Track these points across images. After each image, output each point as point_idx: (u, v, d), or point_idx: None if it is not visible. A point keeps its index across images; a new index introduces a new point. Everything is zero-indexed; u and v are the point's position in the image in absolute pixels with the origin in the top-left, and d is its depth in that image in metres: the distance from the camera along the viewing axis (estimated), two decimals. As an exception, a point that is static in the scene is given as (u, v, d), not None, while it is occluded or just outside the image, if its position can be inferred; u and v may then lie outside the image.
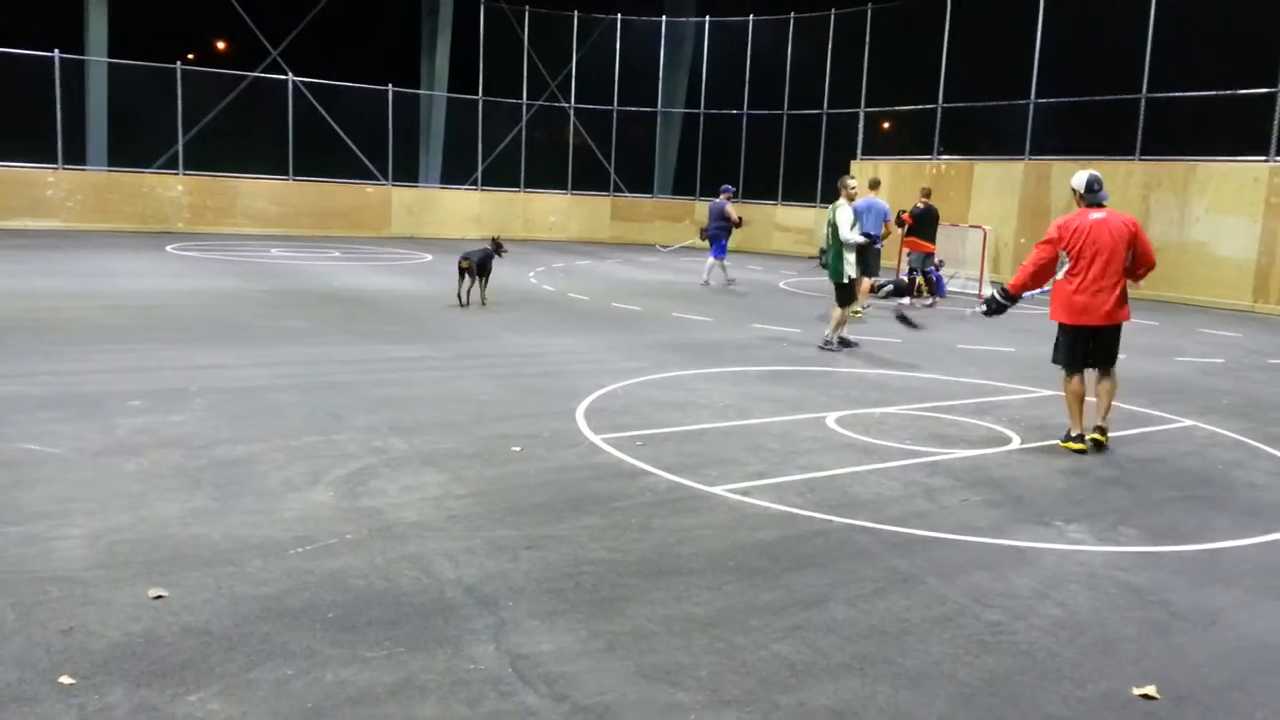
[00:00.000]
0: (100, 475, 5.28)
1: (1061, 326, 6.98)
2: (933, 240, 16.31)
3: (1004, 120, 22.13)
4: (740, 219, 17.58)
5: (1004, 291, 7.19)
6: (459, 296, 12.83)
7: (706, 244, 17.62)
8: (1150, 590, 4.42)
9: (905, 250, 16.90)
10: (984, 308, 7.45)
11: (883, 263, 15.30)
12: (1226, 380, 10.11)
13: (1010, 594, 4.29)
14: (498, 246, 13.41)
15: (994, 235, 19.22)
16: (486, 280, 13.01)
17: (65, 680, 3.17)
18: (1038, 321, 14.72)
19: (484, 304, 12.93)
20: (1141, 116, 19.44)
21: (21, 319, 10.20)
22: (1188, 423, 7.97)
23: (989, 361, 10.64)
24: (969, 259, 18.62)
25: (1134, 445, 7.17)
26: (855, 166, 24.70)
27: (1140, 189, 19.18)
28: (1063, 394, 7.13)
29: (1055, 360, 7.11)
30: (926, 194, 16.62)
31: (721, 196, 17.40)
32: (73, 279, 13.78)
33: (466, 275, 12.73)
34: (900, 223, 16.38)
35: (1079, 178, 7.13)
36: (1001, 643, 3.81)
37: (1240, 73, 18.16)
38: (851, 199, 11.05)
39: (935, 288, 16.37)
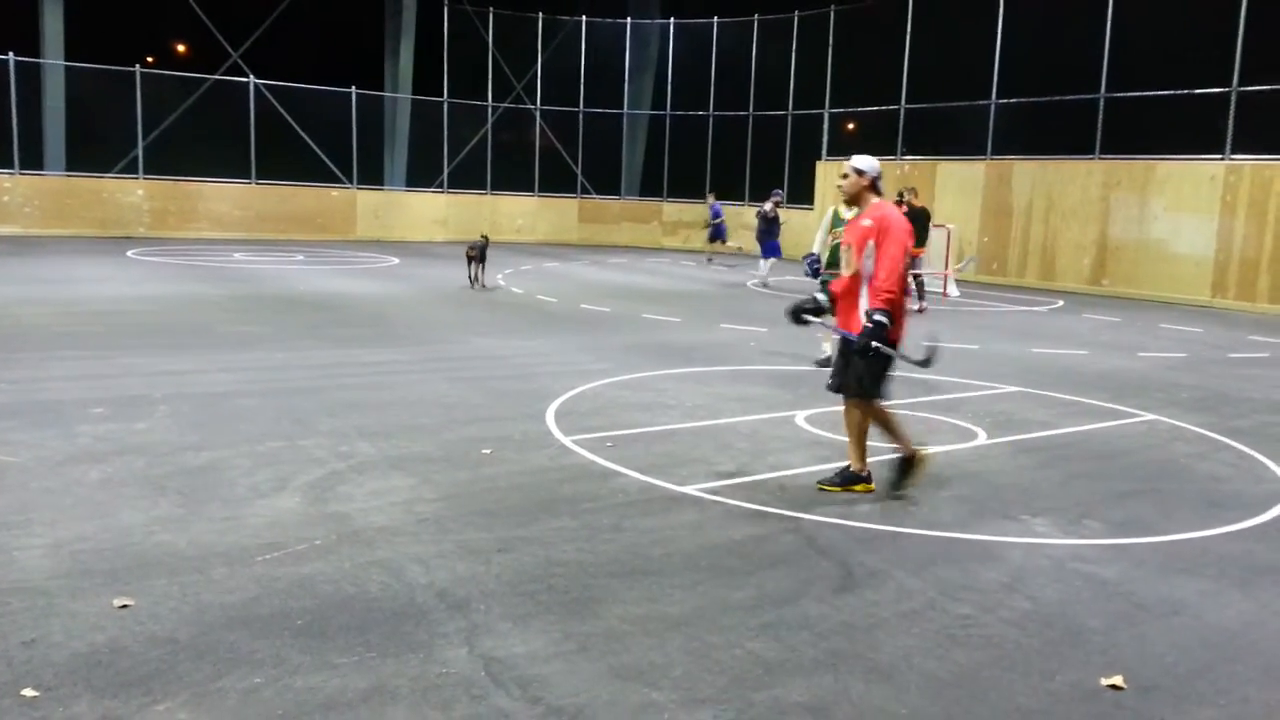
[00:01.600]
0: (63, 484, 5.19)
1: (887, 343, 5.36)
2: (922, 243, 16.84)
3: (966, 120, 22.38)
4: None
5: (879, 327, 5.29)
6: (469, 279, 15.72)
7: (733, 249, 18.37)
8: (1116, 582, 4.48)
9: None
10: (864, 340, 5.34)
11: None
12: (1188, 374, 10.28)
13: (978, 587, 4.34)
14: (487, 241, 16.51)
15: (958, 234, 19.43)
16: (484, 266, 15.92)
17: (28, 693, 3.11)
18: (1002, 319, 14.89)
19: (485, 287, 15.73)
20: (1101, 116, 19.73)
21: (-22, 326, 10.00)
22: (1150, 416, 8.09)
23: (954, 358, 10.74)
24: (933, 258, 18.78)
25: (1098, 440, 7.27)
26: (820, 167, 24.87)
27: (1100, 188, 19.46)
28: (1026, 390, 7.18)
29: (874, 392, 5.51)
30: (913, 193, 16.87)
31: (770, 201, 18.80)
32: (32, 285, 13.54)
33: (473, 262, 15.71)
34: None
35: (868, 161, 5.59)
36: (971, 636, 3.85)
37: (1197, 73, 18.48)
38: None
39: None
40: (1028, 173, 20.66)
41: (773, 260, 18.60)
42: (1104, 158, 19.62)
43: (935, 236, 18.75)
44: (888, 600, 4.15)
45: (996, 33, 21.39)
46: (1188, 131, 18.77)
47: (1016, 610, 4.11)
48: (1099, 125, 19.72)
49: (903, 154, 23.39)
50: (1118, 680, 3.52)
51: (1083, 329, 13.96)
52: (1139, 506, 5.66)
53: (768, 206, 18.77)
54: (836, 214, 9.07)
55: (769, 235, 18.58)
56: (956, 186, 21.88)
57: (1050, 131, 21.14)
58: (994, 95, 21.52)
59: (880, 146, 23.89)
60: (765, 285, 18.04)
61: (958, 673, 3.55)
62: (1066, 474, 6.27)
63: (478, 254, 15.68)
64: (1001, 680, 3.51)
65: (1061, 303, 17.63)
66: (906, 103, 23.45)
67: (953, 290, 17.98)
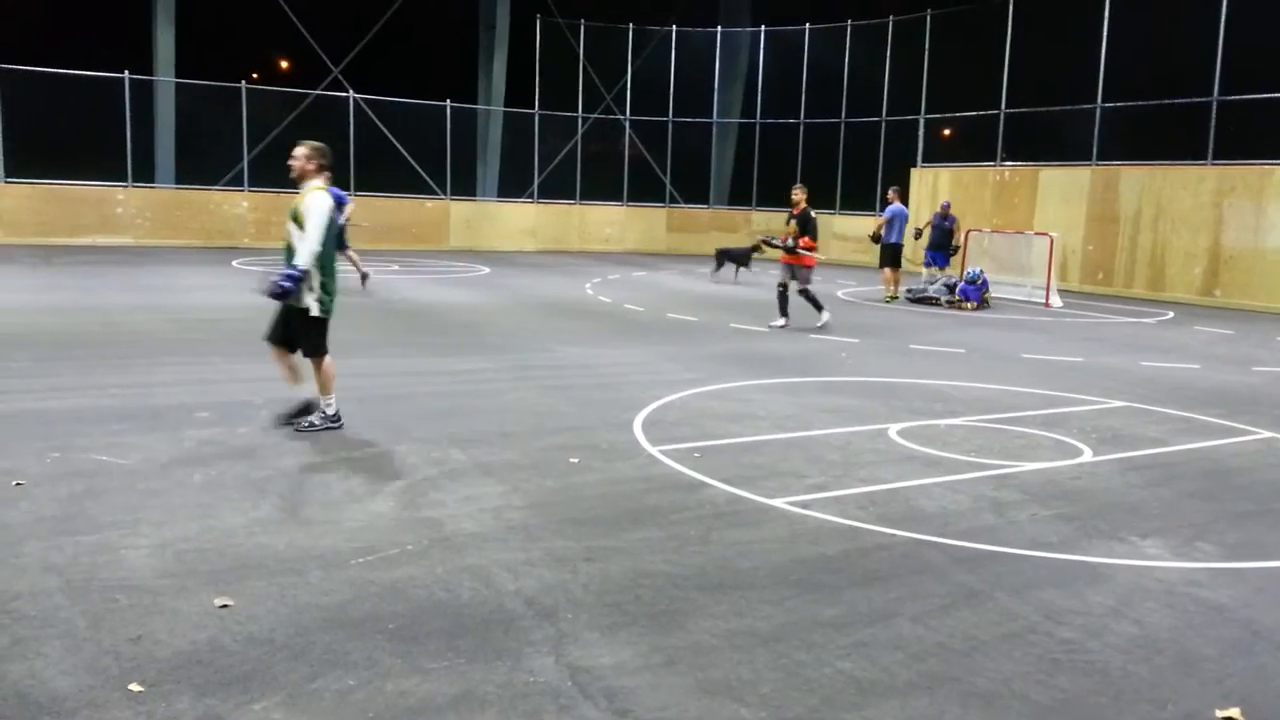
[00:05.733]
0: (168, 485, 5.37)
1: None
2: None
3: (1069, 125, 21.67)
4: (917, 231, 18.71)
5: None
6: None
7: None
8: (1231, 608, 4.25)
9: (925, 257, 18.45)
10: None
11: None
12: (1307, 390, 9.75)
13: (1084, 611, 4.16)
14: (756, 247, 18.42)
15: (1060, 243, 18.84)
16: (746, 266, 19.76)
17: (134, 688, 3.21)
18: (1108, 330, 14.37)
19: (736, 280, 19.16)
20: (1213, 119, 18.92)
21: (92, 333, 10.47)
22: (1267, 434, 7.69)
23: (1056, 371, 10.40)
24: (1035, 267, 18.27)
25: (1211, 458, 6.93)
26: (916, 175, 24.43)
27: (1213, 194, 18.66)
28: (1134, 405, 6.89)
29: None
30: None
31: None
32: (142, 293, 14.13)
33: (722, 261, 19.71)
34: (918, 234, 18.13)
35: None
36: (1075, 661, 3.69)
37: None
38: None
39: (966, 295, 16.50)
40: (1135, 179, 19.93)
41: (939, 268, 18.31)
42: (1217, 163, 18.80)
43: (1039, 245, 18.28)
44: (987, 622, 4.01)
45: (1102, 34, 20.70)
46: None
47: (1124, 636, 3.92)
48: (1211, 129, 18.90)
49: (1002, 159, 22.81)
50: (1234, 713, 3.33)
51: (1194, 342, 13.38)
52: (1255, 529, 5.37)
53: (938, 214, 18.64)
54: None
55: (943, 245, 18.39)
56: (1060, 194, 21.24)
57: (1159, 136, 20.35)
58: (1099, 99, 20.83)
59: (978, 152, 23.38)
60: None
61: (1061, 700, 3.40)
62: (1177, 493, 5.99)
63: (731, 254, 19.66)
64: (1108, 709, 3.35)
65: (1171, 314, 16.93)
66: (1006, 107, 22.86)
67: (1055, 300, 17.43)
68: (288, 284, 6.28)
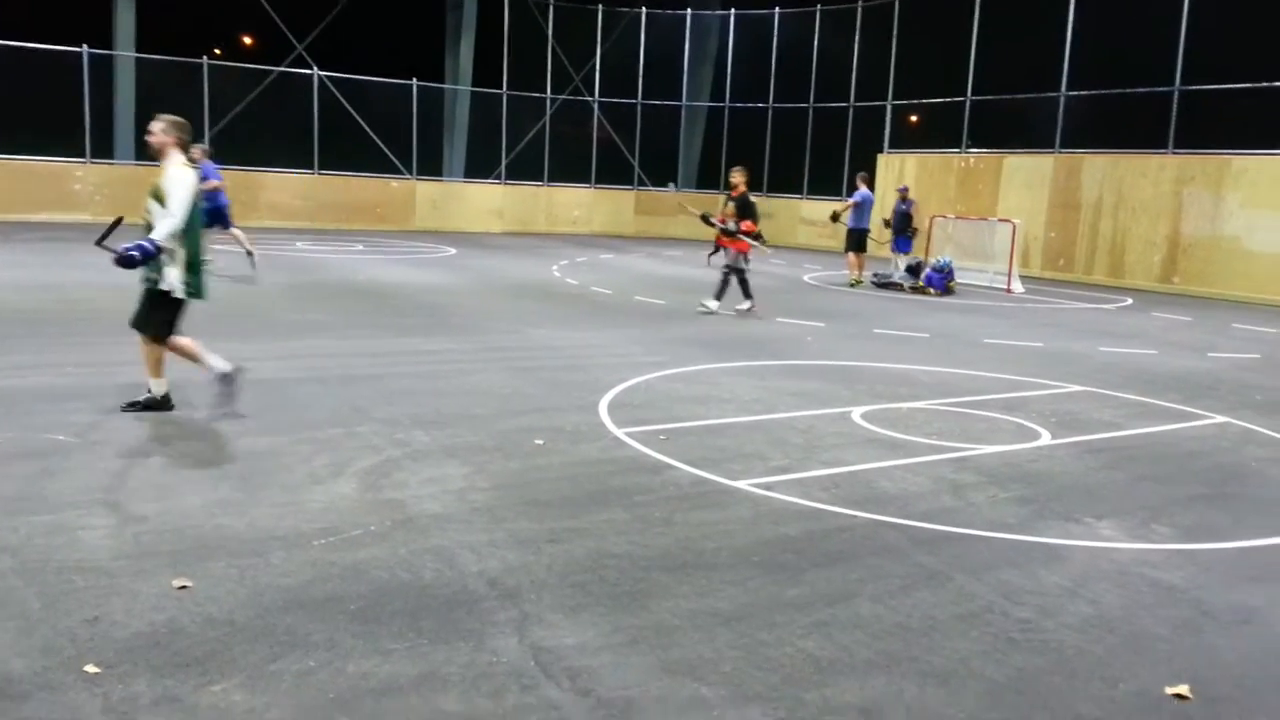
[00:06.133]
0: (127, 466, 5.31)
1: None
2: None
3: (1034, 113, 21.88)
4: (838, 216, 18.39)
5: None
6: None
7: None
8: (1182, 588, 4.34)
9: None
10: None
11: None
12: (1261, 376, 9.95)
13: (1040, 591, 4.23)
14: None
15: (1023, 230, 19.04)
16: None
17: (90, 669, 3.17)
18: (1068, 316, 14.56)
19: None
20: (1175, 109, 19.17)
21: (50, 310, 10.30)
22: (1221, 419, 7.84)
23: (1016, 356, 10.53)
24: (998, 253, 18.45)
25: (1166, 442, 7.06)
26: (882, 160, 24.55)
27: (1173, 183, 18.93)
28: (1092, 389, 6.99)
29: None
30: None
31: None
32: (100, 272, 13.85)
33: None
34: (886, 223, 18.13)
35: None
36: (1031, 640, 3.75)
37: (1275, 64, 17.86)
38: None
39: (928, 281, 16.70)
40: (1098, 167, 20.17)
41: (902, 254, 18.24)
42: (1177, 152, 19.08)
43: (1002, 232, 18.46)
44: (945, 602, 4.06)
45: (1067, 23, 20.88)
46: (1266, 125, 18.15)
47: (1079, 615, 4.00)
48: (1173, 118, 19.16)
49: (967, 146, 22.98)
50: (1183, 690, 3.41)
51: (1152, 328, 13.60)
52: (1208, 511, 5.49)
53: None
54: None
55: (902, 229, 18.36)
56: (1023, 180, 21.45)
57: (1122, 125, 20.59)
58: (1064, 87, 21.03)
59: (944, 139, 23.53)
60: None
61: (1016, 678, 3.46)
62: (1133, 476, 6.10)
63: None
64: (1062, 687, 3.41)
65: (1130, 300, 17.19)
66: (972, 95, 23.02)
67: (1017, 286, 17.63)
68: (135, 253, 5.97)
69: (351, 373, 8.02)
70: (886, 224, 18.36)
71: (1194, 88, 18.99)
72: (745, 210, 12.77)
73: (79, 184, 22.38)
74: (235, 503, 4.81)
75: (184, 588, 3.81)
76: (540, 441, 6.17)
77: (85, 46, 22.29)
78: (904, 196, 18.31)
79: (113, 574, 3.91)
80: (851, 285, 17.27)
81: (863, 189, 17.59)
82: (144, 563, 4.04)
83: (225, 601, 3.72)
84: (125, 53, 23.67)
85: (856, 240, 17.46)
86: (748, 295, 12.79)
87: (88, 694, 3.04)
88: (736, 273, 12.81)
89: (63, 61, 22.09)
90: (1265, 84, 18.11)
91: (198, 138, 23.64)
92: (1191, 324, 14.19)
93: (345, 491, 5.06)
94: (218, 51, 26.14)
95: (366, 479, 5.28)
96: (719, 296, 12.70)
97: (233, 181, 23.97)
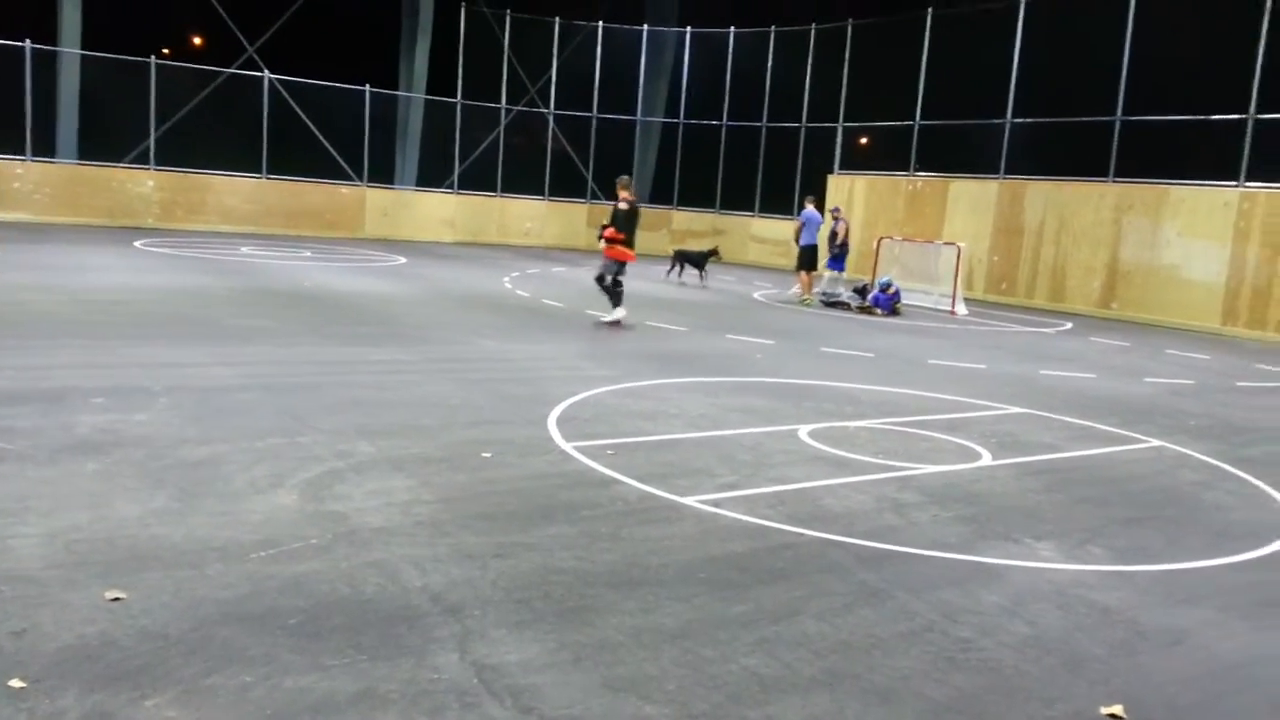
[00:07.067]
0: (60, 473, 5.16)
1: None
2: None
3: (980, 139, 22.33)
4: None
5: None
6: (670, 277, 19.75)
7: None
8: (1118, 609, 4.43)
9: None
10: None
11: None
12: (1196, 402, 10.22)
13: (979, 610, 4.29)
14: (713, 251, 20.40)
15: (967, 253, 19.40)
16: (703, 270, 19.74)
17: (15, 684, 3.07)
18: (1009, 339, 14.83)
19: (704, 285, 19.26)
20: (1116, 139, 19.68)
21: (-16, 311, 10.00)
22: (1156, 443, 8.03)
23: (960, 377, 10.69)
24: (942, 275, 18.75)
25: (1103, 465, 7.21)
26: (832, 181, 24.85)
27: (1113, 210, 19.41)
28: (1032, 411, 7.13)
29: None
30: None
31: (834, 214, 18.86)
32: (39, 272, 13.55)
33: (680, 263, 19.82)
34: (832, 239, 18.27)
35: None
36: (970, 660, 3.80)
37: (1213, 98, 18.43)
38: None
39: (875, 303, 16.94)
40: (1041, 193, 20.61)
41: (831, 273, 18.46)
42: (1118, 180, 19.57)
43: (947, 254, 18.77)
44: (887, 620, 4.10)
45: (1014, 52, 21.36)
46: (1203, 157, 18.72)
47: (1017, 635, 4.06)
48: (1114, 148, 19.66)
49: (915, 170, 23.35)
50: (1118, 710, 3.47)
51: (1091, 352, 13.90)
52: (1143, 534, 5.61)
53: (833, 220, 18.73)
54: None
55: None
56: (968, 204, 21.85)
57: (1064, 153, 21.09)
58: (1009, 114, 21.49)
59: (893, 162, 23.89)
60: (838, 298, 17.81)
61: (956, 697, 3.50)
62: (1071, 498, 6.22)
63: (688, 256, 19.84)
64: (1000, 706, 3.46)
65: (1070, 325, 17.56)
66: (921, 119, 23.42)
67: (961, 309, 17.93)
68: None
69: (295, 381, 7.90)
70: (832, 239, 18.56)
71: (1135, 118, 19.52)
72: (614, 218, 12.60)
73: (18, 182, 21.82)
74: (172, 512, 4.70)
75: (117, 599, 3.71)
76: (488, 454, 6.13)
77: (28, 41, 21.78)
78: (837, 216, 18.61)
79: (43, 584, 3.80)
80: (801, 304, 17.45)
81: (809, 209, 17.98)
82: (76, 573, 3.92)
83: (160, 614, 3.63)
84: (70, 49, 23.15)
85: (807, 258, 17.73)
86: (616, 305, 12.67)
87: (12, 709, 2.94)
88: (599, 279, 12.68)
89: (4, 55, 21.55)
90: (1204, 116, 18.68)
91: (143, 138, 23.34)
92: (1129, 349, 14.54)
93: (286, 503, 4.97)
94: (166, 51, 25.69)
95: (308, 490, 5.19)
96: (616, 304, 12.65)
97: (176, 183, 23.65)
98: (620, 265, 12.65)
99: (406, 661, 3.43)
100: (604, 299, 12.86)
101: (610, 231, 12.55)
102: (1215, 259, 17.89)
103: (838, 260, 18.35)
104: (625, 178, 13.10)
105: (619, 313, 12.64)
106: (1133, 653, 4.00)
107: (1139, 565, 5.06)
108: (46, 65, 22.73)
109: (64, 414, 6.29)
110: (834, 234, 18.18)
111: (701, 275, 19.87)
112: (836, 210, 19.07)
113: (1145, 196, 18.98)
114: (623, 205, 12.69)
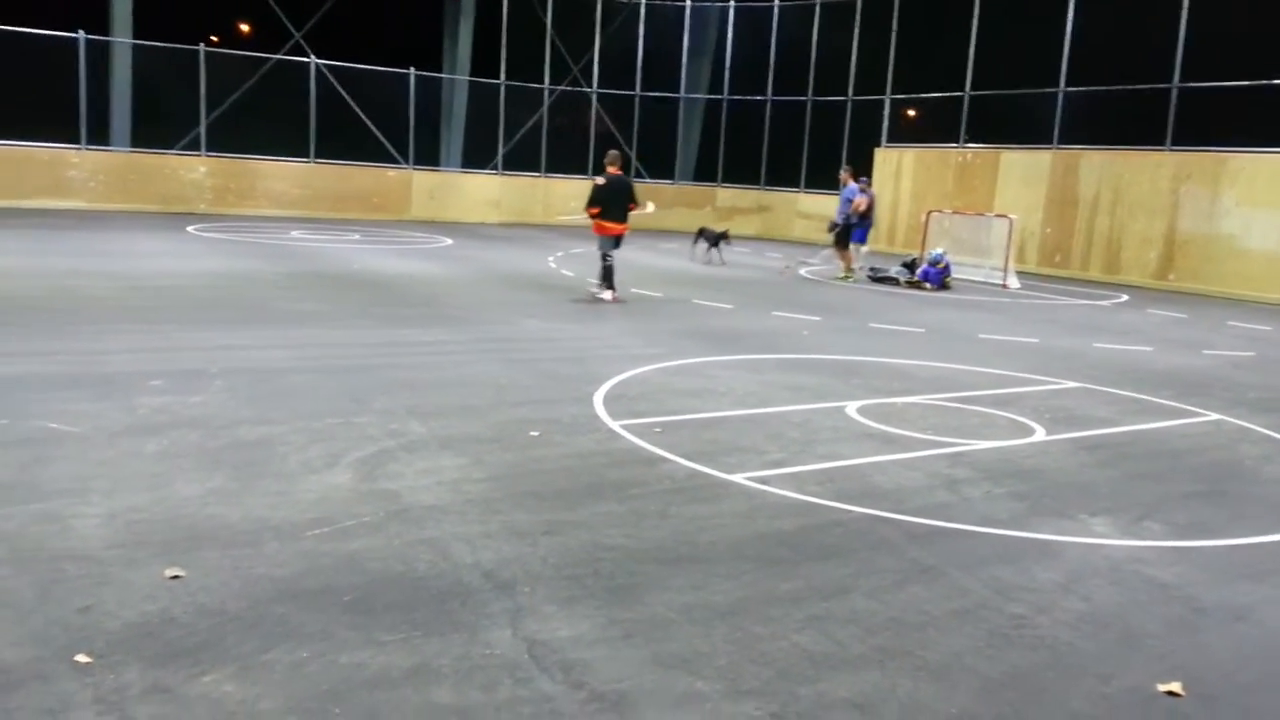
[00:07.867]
0: (119, 455, 5.29)
1: None
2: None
3: (1032, 109, 21.85)
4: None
5: None
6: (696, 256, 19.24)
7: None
8: (1176, 585, 4.35)
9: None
10: None
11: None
12: (1256, 374, 9.96)
13: (1033, 587, 4.23)
14: (725, 234, 19.53)
15: (1019, 225, 19.03)
16: (719, 249, 19.09)
17: (81, 659, 3.16)
18: (1063, 312, 14.57)
19: (724, 264, 18.66)
20: (1173, 106, 19.17)
21: (43, 298, 10.25)
22: (1215, 416, 7.85)
23: (1012, 351, 10.53)
24: (994, 248, 18.44)
25: (1161, 439, 7.07)
26: (880, 155, 24.52)
27: (1170, 180, 18.93)
28: (1087, 386, 6.99)
29: None
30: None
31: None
32: (94, 259, 13.84)
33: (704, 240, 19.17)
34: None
35: None
36: (1024, 636, 3.76)
37: (1274, 63, 17.85)
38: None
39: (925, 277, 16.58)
40: (1095, 163, 20.16)
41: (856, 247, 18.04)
42: (1175, 149, 19.07)
43: (998, 227, 18.44)
44: (939, 597, 4.06)
45: (1067, 19, 20.85)
46: (1264, 123, 18.14)
47: (1072, 612, 4.00)
48: (1170, 116, 19.15)
49: (965, 141, 22.95)
50: (1176, 687, 3.41)
51: (1147, 325, 13.60)
52: (1202, 509, 5.49)
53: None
54: None
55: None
56: (1020, 176, 21.44)
57: (1120, 121, 20.58)
58: (1062, 83, 21.01)
59: (942, 134, 23.51)
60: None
61: (1010, 674, 3.46)
62: (1127, 473, 6.11)
63: (711, 235, 19.14)
64: (1055, 683, 3.42)
65: (1126, 297, 17.20)
66: (971, 89, 22.98)
67: (1013, 282, 17.63)
68: None
69: (347, 363, 8.00)
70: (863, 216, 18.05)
71: (1193, 85, 18.98)
72: (595, 196, 12.50)
73: (74, 170, 22.27)
74: (229, 492, 4.80)
75: (176, 577, 3.80)
76: (536, 433, 6.16)
77: (81, 32, 22.17)
78: (863, 189, 18.09)
79: (105, 563, 3.90)
80: (842, 279, 17.23)
81: (850, 183, 17.56)
82: (136, 552, 4.02)
83: (218, 591, 3.71)
84: (122, 39, 23.54)
85: (842, 234, 17.41)
86: (608, 283, 12.61)
87: (78, 684, 3.02)
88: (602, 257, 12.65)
89: (59, 46, 21.97)
90: (1263, 82, 18.10)
91: (194, 125, 23.70)
92: (1187, 321, 14.21)
93: (340, 482, 5.05)
94: (214, 39, 25.99)
95: (361, 469, 5.26)
96: (608, 283, 12.59)
97: (227, 169, 24.00)
98: (612, 240, 12.58)
99: (459, 637, 3.47)
100: (644, 277, 12.81)
101: (592, 210, 12.48)
102: (1276, 228, 17.39)
103: (863, 231, 17.96)
104: (614, 152, 12.92)
105: (606, 294, 12.55)
106: (1191, 629, 3.92)
107: (1198, 541, 4.96)
108: (100, 56, 23.14)
109: (122, 397, 6.44)
110: (847, 201, 17.58)
111: (719, 251, 19.58)
112: (864, 180, 18.48)
113: (1203, 165, 18.48)
114: (600, 180, 12.55)
